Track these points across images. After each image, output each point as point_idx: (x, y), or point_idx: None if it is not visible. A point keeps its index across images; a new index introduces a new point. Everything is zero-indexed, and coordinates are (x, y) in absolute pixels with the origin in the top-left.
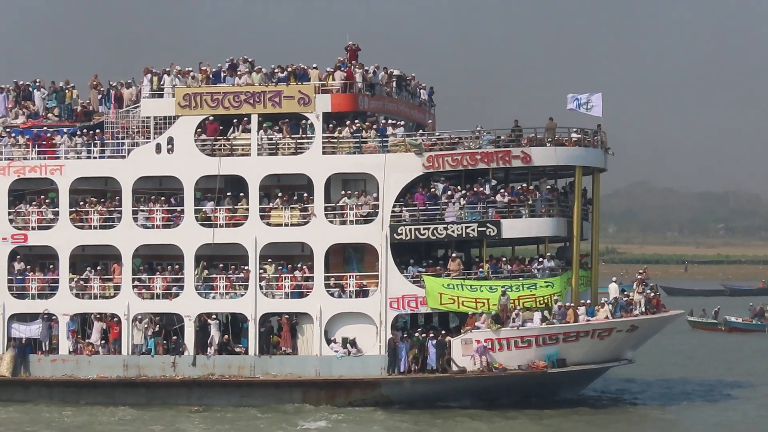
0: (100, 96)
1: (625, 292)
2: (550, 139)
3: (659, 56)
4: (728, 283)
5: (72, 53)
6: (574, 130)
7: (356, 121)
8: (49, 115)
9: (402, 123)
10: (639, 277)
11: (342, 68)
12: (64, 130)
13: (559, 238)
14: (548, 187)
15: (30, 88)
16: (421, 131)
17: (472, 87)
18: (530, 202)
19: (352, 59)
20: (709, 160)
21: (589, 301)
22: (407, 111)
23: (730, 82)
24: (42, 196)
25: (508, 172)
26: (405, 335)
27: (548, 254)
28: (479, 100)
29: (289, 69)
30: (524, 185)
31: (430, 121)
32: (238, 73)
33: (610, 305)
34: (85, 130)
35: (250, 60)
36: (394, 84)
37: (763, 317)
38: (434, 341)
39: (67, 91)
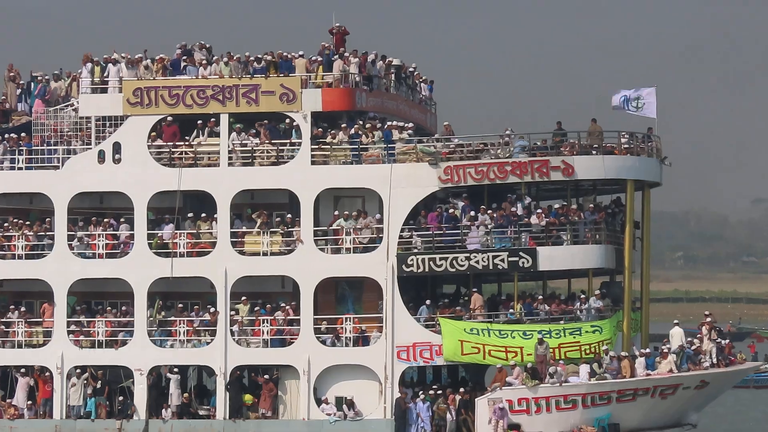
0: (19, 90)
1: (690, 340)
2: (596, 146)
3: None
4: (689, 326)
5: None
6: (624, 134)
7: (359, 122)
8: None
9: (411, 125)
10: (708, 320)
11: (331, 56)
12: None
13: (602, 270)
14: (591, 205)
15: None
16: (436, 136)
17: (482, 82)
18: (573, 225)
19: (339, 45)
20: (665, 174)
21: (648, 351)
22: (407, 110)
23: (697, 79)
24: None
25: (537, 189)
26: (420, 393)
27: (597, 292)
28: (489, 99)
29: (269, 57)
30: (564, 204)
31: (447, 123)
32: (202, 62)
33: (675, 355)
34: (6, 134)
35: (207, 46)
36: (393, 77)
37: None
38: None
39: None
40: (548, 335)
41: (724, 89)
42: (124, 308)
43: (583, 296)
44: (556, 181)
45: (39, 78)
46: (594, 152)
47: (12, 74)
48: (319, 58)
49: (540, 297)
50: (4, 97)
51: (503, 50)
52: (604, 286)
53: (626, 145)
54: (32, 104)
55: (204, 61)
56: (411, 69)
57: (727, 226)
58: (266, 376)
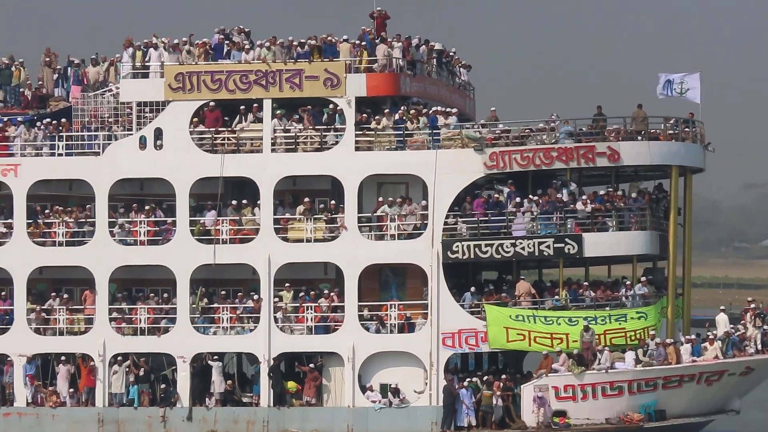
0: (56, 75)
1: (734, 326)
2: (641, 132)
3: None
4: None
5: (12, 21)
6: (670, 120)
7: (401, 108)
8: None
9: (455, 111)
10: (752, 306)
11: (372, 41)
12: (18, 118)
13: (644, 256)
14: (635, 193)
15: None
16: (482, 122)
17: (521, 65)
18: (619, 211)
19: (380, 30)
20: None
21: (694, 337)
22: (447, 95)
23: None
24: None
25: (579, 174)
26: (467, 380)
27: (643, 278)
28: (528, 83)
29: (312, 42)
30: (610, 190)
31: (493, 109)
32: (244, 47)
33: (720, 342)
34: (45, 120)
35: (246, 30)
36: (435, 61)
37: None
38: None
39: (14, 69)
40: (594, 322)
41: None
42: (165, 295)
43: (628, 282)
44: (596, 167)
45: (76, 63)
46: (639, 138)
47: (48, 59)
48: (363, 43)
49: (585, 284)
50: (40, 83)
51: (542, 32)
52: (647, 272)
53: (671, 131)
54: (69, 89)
55: (246, 46)
56: (452, 53)
57: (719, 212)
58: (311, 365)
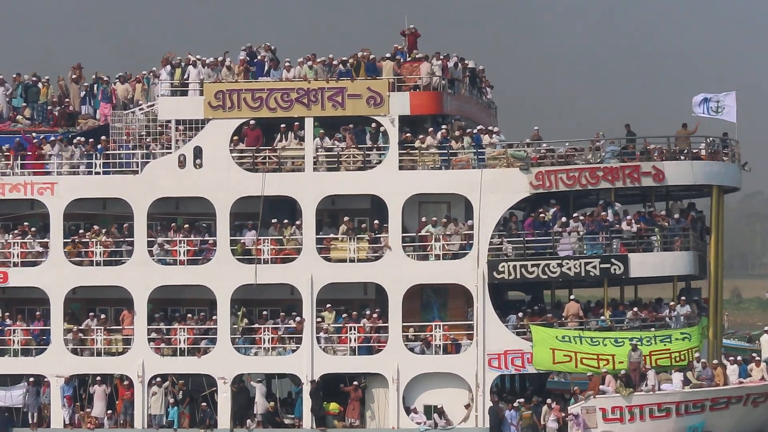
0: (83, 93)
1: None
2: (684, 151)
3: None
4: None
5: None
6: (709, 139)
7: (443, 126)
8: (18, 117)
9: (497, 130)
10: None
11: (403, 58)
12: (52, 137)
13: (683, 276)
14: (677, 213)
15: None
16: (527, 141)
17: (541, 80)
18: (663, 231)
19: (411, 47)
20: None
21: (740, 358)
22: (479, 114)
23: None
24: (26, 223)
25: (614, 194)
26: (515, 403)
27: (683, 298)
28: (550, 100)
29: (353, 60)
30: (652, 210)
31: (536, 128)
32: (287, 65)
33: (766, 363)
34: (80, 138)
35: (272, 48)
36: (468, 80)
37: None
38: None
39: (40, 87)
40: (639, 343)
41: None
42: (202, 314)
43: (672, 303)
44: (632, 187)
45: (104, 80)
46: (682, 157)
47: (75, 76)
48: (405, 61)
49: (635, 309)
50: (67, 100)
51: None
52: (684, 292)
53: (710, 150)
54: (97, 107)
55: (287, 63)
56: (480, 69)
57: None
58: (355, 383)
